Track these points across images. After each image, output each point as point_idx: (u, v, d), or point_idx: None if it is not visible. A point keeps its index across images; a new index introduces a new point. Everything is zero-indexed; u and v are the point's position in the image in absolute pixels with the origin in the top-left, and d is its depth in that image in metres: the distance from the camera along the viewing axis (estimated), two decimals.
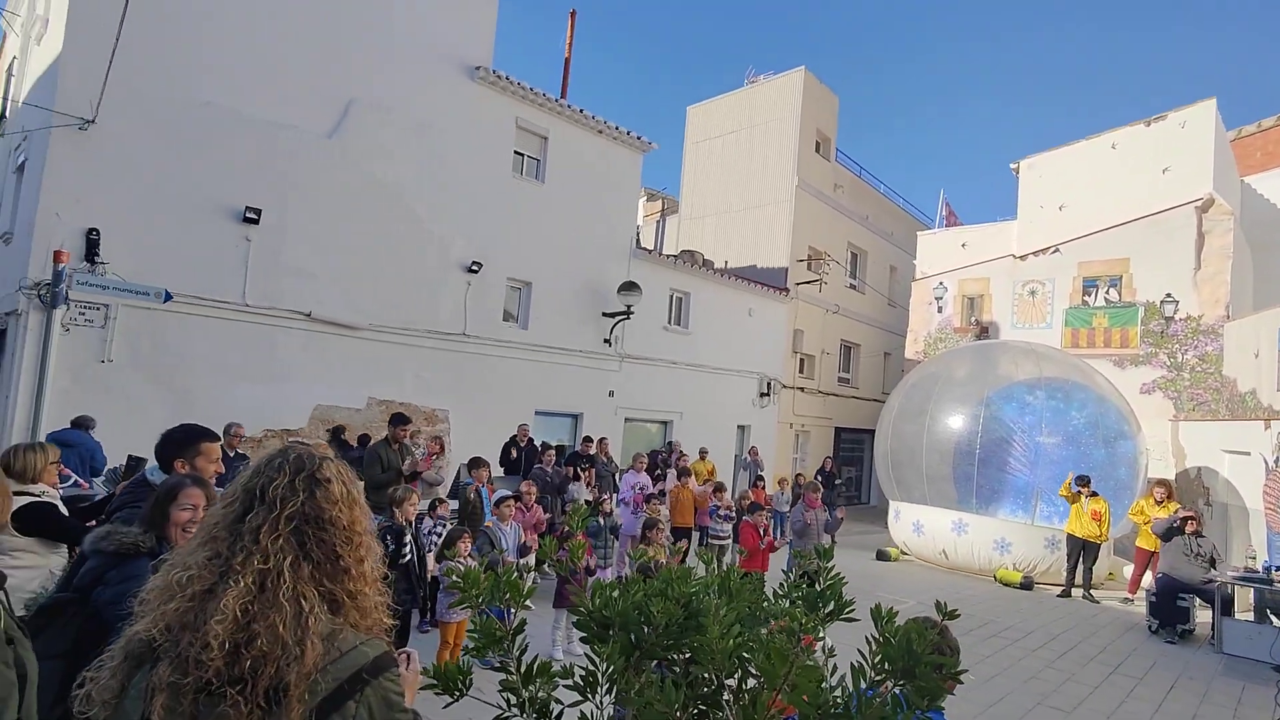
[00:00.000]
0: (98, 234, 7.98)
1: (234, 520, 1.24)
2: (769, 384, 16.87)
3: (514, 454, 9.53)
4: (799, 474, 14.62)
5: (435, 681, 1.56)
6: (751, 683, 1.71)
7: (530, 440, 9.96)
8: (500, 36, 11.57)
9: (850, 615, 1.66)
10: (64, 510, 3.59)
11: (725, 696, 1.70)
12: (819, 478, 13.12)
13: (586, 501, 8.79)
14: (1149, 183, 14.81)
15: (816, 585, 1.81)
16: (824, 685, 1.45)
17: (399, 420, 6.40)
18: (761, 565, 7.12)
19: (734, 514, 8.84)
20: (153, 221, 8.36)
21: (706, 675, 1.70)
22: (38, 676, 1.61)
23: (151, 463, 3.06)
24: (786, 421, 17.77)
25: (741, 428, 16.42)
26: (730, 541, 8.49)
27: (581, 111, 12.83)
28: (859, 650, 1.48)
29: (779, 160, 18.50)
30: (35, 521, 3.26)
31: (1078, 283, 15.62)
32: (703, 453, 12.38)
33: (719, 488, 8.88)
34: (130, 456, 6.05)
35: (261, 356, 9.18)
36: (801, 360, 18.36)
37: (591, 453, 9.94)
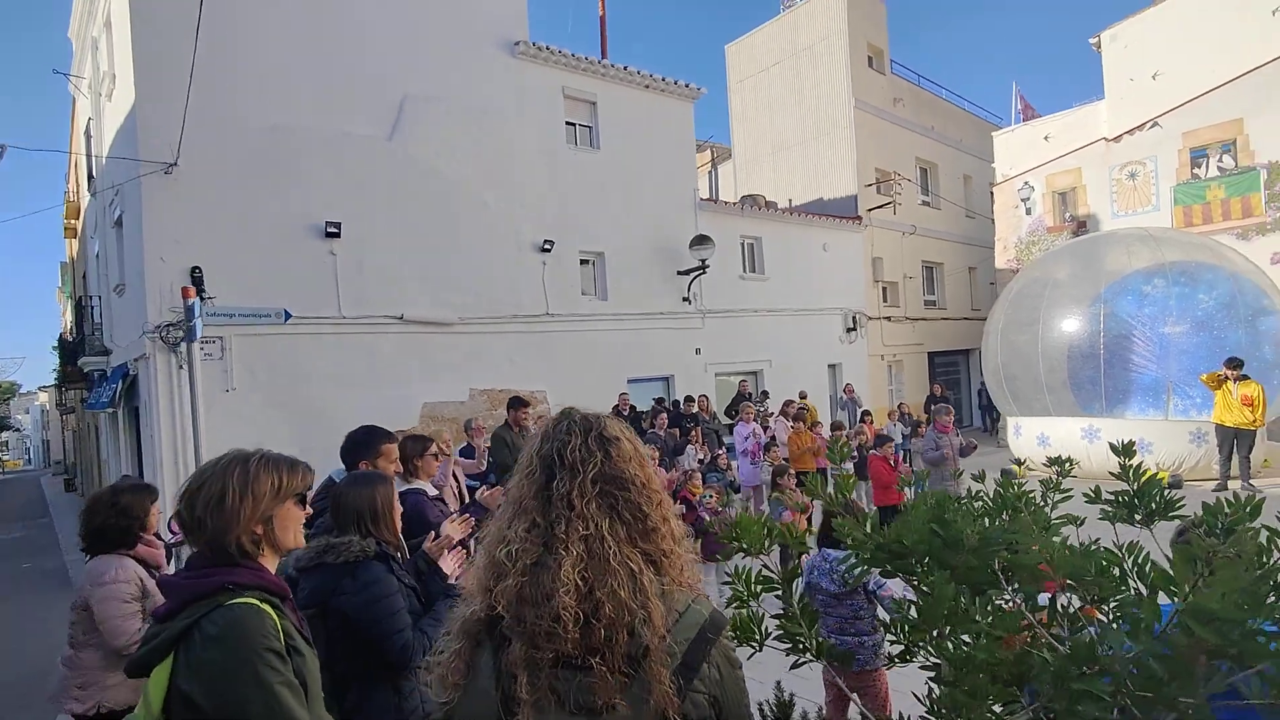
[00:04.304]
0: (200, 271, 8.34)
1: (540, 489, 1.18)
2: (854, 318, 16.30)
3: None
4: (901, 403, 14.13)
5: (735, 633, 1.49)
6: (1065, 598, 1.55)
7: (632, 407, 9.96)
8: (533, 6, 11.34)
9: (1179, 513, 1.46)
10: None
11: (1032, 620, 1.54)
12: (938, 402, 12.60)
13: (700, 460, 8.74)
14: (1258, 28, 13.23)
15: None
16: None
17: (517, 404, 6.46)
18: (897, 498, 6.89)
19: (855, 452, 8.60)
20: (246, 250, 8.66)
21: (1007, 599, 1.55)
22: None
23: (337, 466, 3.15)
24: (877, 354, 17.18)
25: (833, 366, 15.98)
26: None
27: (626, 69, 12.47)
28: (1165, 555, 1.28)
29: (831, 83, 17.54)
30: None
31: (1184, 156, 14.24)
32: (802, 395, 12.11)
33: (837, 425, 8.64)
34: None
35: (366, 364, 9.47)
36: (884, 288, 17.63)
37: (694, 411, 9.86)
